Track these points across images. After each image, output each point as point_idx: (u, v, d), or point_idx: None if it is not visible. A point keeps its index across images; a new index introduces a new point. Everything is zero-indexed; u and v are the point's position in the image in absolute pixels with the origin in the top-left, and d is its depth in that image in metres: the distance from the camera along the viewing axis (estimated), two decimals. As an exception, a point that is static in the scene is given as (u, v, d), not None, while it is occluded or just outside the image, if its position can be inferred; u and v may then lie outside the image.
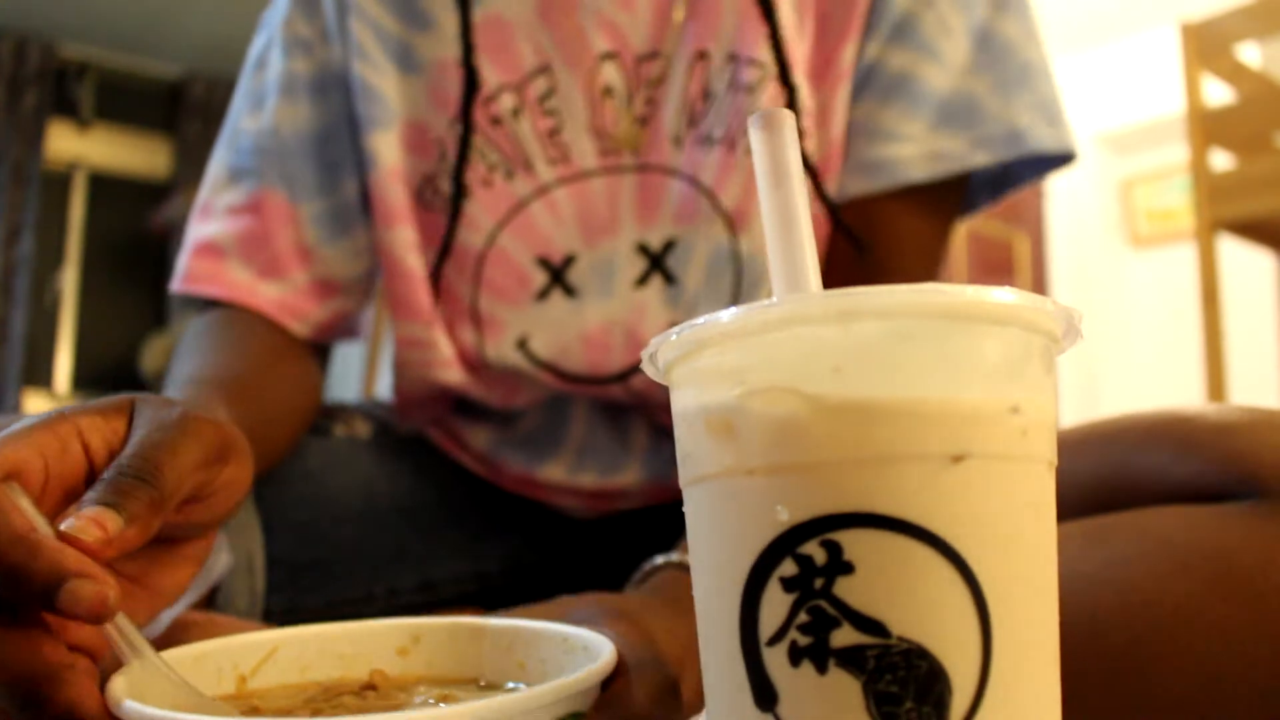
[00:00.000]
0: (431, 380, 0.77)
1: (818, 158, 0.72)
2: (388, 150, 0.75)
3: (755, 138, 0.30)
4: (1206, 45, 1.92)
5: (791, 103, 0.70)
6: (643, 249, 0.74)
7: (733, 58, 0.71)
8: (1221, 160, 1.96)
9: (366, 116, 0.75)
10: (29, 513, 0.35)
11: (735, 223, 0.71)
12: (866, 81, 0.72)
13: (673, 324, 0.68)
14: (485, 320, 0.75)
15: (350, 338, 0.85)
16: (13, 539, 0.33)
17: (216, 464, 0.42)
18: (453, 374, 0.77)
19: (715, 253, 0.72)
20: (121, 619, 0.35)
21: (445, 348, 0.76)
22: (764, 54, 0.70)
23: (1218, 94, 1.98)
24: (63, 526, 0.34)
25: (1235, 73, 1.98)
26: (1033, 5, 0.74)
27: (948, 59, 0.70)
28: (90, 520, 0.34)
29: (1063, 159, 0.73)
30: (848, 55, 0.71)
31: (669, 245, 0.73)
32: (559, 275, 0.74)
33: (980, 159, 0.70)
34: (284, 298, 0.78)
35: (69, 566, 0.33)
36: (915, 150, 0.70)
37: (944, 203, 0.74)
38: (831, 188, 0.73)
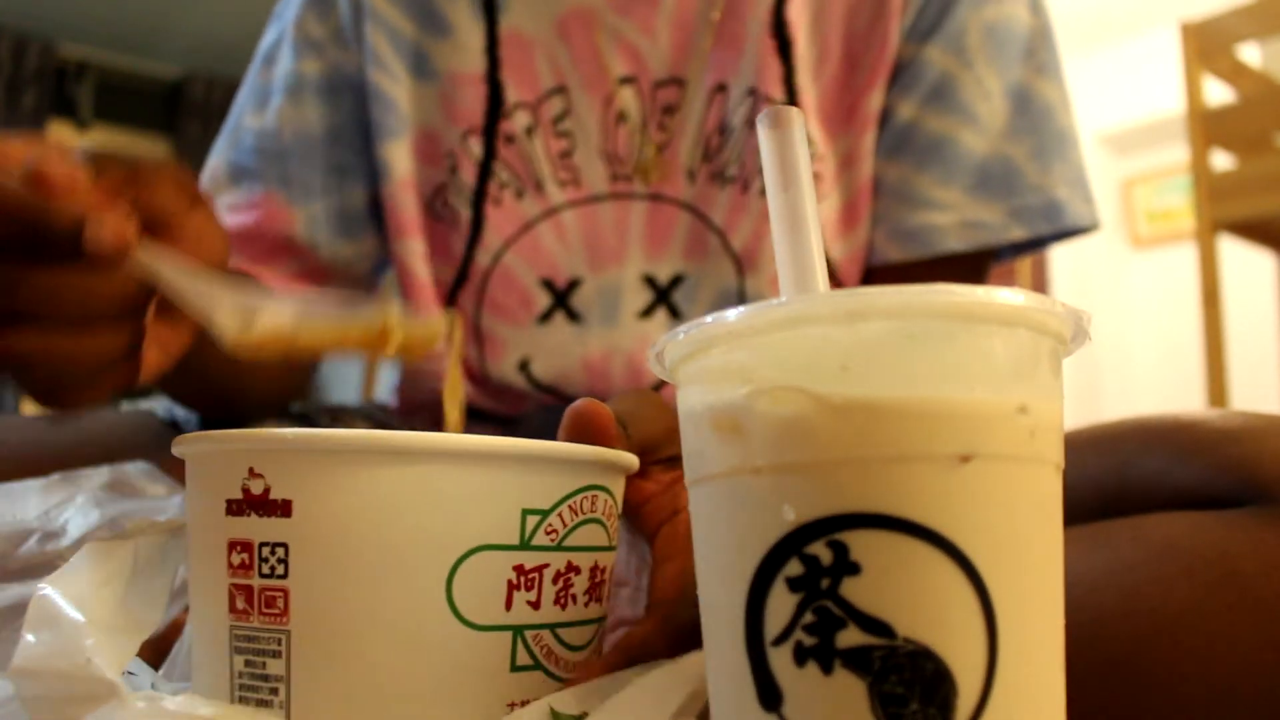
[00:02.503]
0: (439, 390, 0.77)
1: (844, 201, 0.72)
2: (401, 160, 0.75)
3: (763, 136, 0.30)
4: (1207, 45, 1.92)
5: None
6: (649, 280, 0.74)
7: (751, 92, 0.70)
8: (1222, 160, 1.96)
9: (381, 125, 0.75)
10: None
11: (743, 264, 0.72)
12: (903, 143, 0.71)
13: None
14: (487, 338, 0.75)
15: None
16: (23, 197, 0.35)
17: (189, 199, 0.43)
18: None
19: (722, 292, 0.72)
20: (142, 252, 0.38)
21: None
22: (779, 93, 0.70)
23: (1218, 94, 1.98)
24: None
25: (1235, 73, 1.98)
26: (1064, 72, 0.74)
27: (985, 122, 0.70)
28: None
29: (1086, 229, 0.74)
30: (873, 102, 0.71)
31: (676, 280, 0.73)
32: (563, 299, 0.74)
33: (1017, 233, 0.70)
34: (282, 278, 0.79)
35: (83, 203, 0.35)
36: (952, 219, 0.70)
37: (977, 269, 0.74)
38: (861, 230, 0.72)
